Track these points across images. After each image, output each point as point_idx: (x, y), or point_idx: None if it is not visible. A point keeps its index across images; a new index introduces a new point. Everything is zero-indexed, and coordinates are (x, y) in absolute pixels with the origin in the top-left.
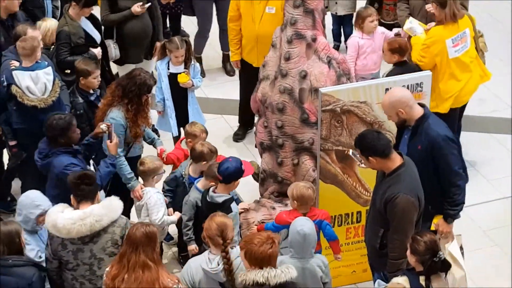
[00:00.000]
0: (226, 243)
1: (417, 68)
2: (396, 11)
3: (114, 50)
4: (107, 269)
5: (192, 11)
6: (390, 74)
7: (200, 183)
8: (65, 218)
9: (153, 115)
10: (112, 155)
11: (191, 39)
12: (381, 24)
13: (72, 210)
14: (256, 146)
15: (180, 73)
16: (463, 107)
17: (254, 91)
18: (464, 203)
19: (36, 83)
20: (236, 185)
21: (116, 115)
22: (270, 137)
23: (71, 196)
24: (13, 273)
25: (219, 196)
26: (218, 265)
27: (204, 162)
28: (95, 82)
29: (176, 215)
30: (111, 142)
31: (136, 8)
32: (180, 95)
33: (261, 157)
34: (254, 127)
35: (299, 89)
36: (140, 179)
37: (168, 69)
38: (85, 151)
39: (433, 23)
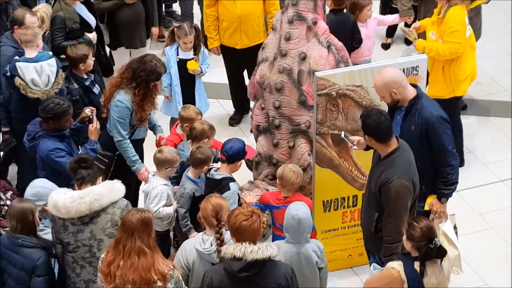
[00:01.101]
0: (221, 224)
1: (351, 17)
2: None
3: (104, 35)
4: (103, 255)
5: None
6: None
7: (191, 172)
8: (66, 197)
9: (159, 100)
10: (92, 140)
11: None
12: (391, 8)
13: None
14: (251, 131)
15: (189, 59)
16: None
17: (252, 75)
18: (457, 182)
19: (40, 75)
20: (239, 167)
21: (123, 98)
22: (267, 118)
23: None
24: (20, 252)
25: (219, 174)
26: (211, 245)
27: (206, 140)
28: (91, 62)
29: (172, 207)
30: (92, 126)
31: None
32: (188, 81)
33: (256, 140)
34: (251, 112)
35: (298, 71)
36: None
37: (177, 55)
38: (73, 136)
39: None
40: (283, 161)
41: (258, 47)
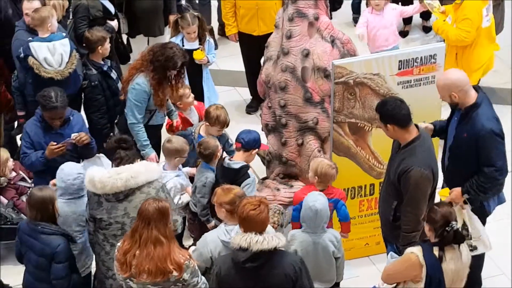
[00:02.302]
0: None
1: None
2: None
3: (122, 24)
4: (119, 244)
5: None
6: None
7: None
8: (103, 172)
9: None
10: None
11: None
12: None
13: None
14: (262, 129)
15: (195, 49)
16: None
17: (259, 74)
18: (488, 196)
19: (53, 54)
20: (253, 156)
21: (142, 81)
22: (274, 117)
23: None
24: (40, 239)
25: (236, 162)
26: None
27: (219, 128)
28: (108, 47)
29: (187, 195)
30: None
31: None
32: (195, 71)
33: (267, 139)
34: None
35: (301, 68)
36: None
37: (183, 45)
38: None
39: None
40: (292, 159)
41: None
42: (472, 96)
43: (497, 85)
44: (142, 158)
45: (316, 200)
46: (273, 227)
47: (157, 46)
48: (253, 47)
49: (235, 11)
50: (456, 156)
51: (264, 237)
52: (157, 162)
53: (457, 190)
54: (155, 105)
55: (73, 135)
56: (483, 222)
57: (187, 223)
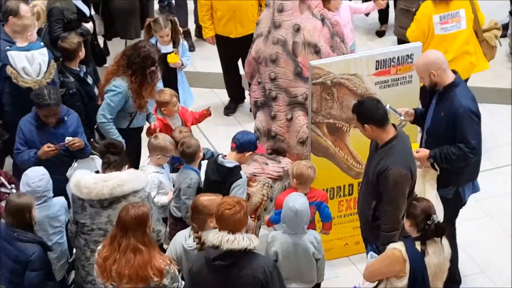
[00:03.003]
0: (193, 225)
1: None
2: None
3: (98, 25)
4: (99, 247)
5: None
6: None
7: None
8: (89, 177)
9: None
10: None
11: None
12: None
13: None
14: (251, 110)
15: (169, 53)
16: None
17: (248, 53)
18: (453, 171)
19: (31, 63)
20: (246, 159)
21: (119, 84)
22: (264, 92)
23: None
24: (15, 246)
25: (229, 162)
26: (194, 241)
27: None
28: (84, 50)
29: (168, 197)
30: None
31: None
32: (169, 75)
33: (255, 117)
34: (248, 92)
35: (292, 42)
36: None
37: None
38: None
39: None
40: (281, 134)
41: (252, 36)
42: (450, 76)
43: (476, 84)
44: (131, 164)
45: (296, 200)
46: (262, 200)
47: (128, 49)
48: (230, 49)
49: (211, 13)
50: (433, 137)
51: (236, 236)
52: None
53: (425, 151)
54: (137, 108)
55: (67, 139)
56: (456, 211)
57: (168, 228)
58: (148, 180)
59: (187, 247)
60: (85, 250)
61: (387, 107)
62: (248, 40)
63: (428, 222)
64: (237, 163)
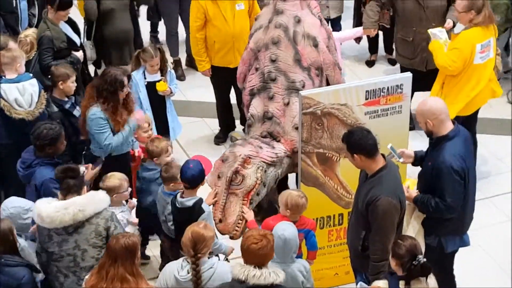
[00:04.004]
0: (197, 256)
1: None
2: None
3: (90, 50)
4: (87, 276)
5: (158, 16)
6: None
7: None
8: (50, 206)
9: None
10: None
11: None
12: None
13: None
14: (240, 106)
15: (157, 81)
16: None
17: (245, 50)
18: (435, 220)
19: (23, 94)
20: (203, 184)
21: (95, 111)
22: (262, 77)
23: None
24: (4, 272)
25: (188, 199)
26: (188, 273)
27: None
28: (72, 86)
29: (131, 227)
30: (92, 168)
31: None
32: (158, 103)
33: (248, 108)
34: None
35: (293, 31)
36: None
37: (145, 78)
38: None
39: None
40: (278, 117)
41: None
42: (447, 128)
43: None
44: (92, 185)
45: (285, 229)
46: (255, 183)
47: (95, 80)
48: (227, 79)
49: (206, 46)
50: (421, 182)
51: (262, 272)
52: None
53: (411, 193)
54: (117, 131)
55: (83, 167)
56: (445, 260)
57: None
58: (108, 200)
59: (181, 279)
60: (58, 276)
61: (388, 147)
62: None
63: (413, 262)
64: (197, 198)
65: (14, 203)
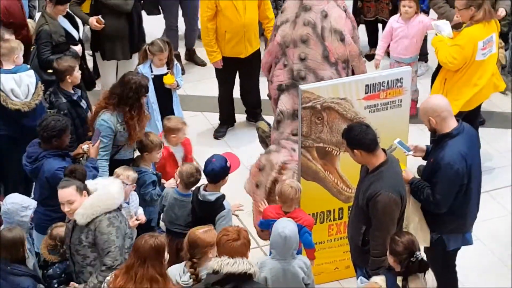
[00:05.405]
0: (192, 261)
1: None
2: (376, 7)
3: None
4: (109, 278)
5: (158, 10)
6: None
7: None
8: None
9: None
10: (93, 158)
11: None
12: (363, 21)
13: None
14: (269, 97)
15: (164, 74)
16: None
17: (270, 40)
18: (435, 216)
19: (19, 85)
20: (226, 181)
21: (108, 118)
22: (291, 74)
23: None
24: (8, 279)
25: (211, 194)
26: (190, 279)
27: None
28: (78, 75)
29: (132, 223)
30: (93, 145)
31: (93, 21)
32: (165, 96)
33: (277, 103)
34: (269, 77)
35: (321, 27)
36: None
37: (152, 71)
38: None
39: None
40: None
41: (257, 53)
42: (450, 125)
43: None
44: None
45: (286, 226)
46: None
47: (116, 87)
48: (234, 70)
49: (216, 37)
50: (422, 178)
51: (236, 260)
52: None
53: (408, 174)
54: (130, 140)
55: (86, 145)
56: (448, 256)
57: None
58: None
59: (183, 284)
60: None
61: (396, 142)
62: (254, 56)
63: (411, 259)
64: (218, 194)
65: (14, 199)
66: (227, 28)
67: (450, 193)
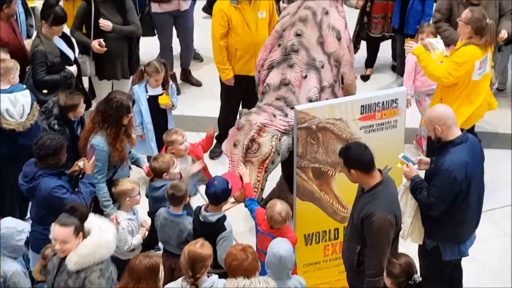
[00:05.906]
0: (195, 277)
1: None
2: (383, 24)
3: (89, 67)
4: None
5: (153, 31)
6: None
7: (173, 210)
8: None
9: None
10: (89, 174)
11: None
12: (368, 37)
13: None
14: (256, 90)
15: (160, 94)
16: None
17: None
18: (432, 220)
19: (14, 105)
20: (227, 202)
21: (99, 141)
22: (284, 51)
23: None
24: None
25: (212, 215)
26: None
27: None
28: (82, 110)
29: (139, 236)
30: (88, 161)
31: (95, 44)
32: (160, 117)
33: (262, 84)
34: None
35: (320, 18)
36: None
37: (147, 92)
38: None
39: (453, 46)
40: (294, 85)
41: None
42: (454, 133)
43: None
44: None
45: (280, 246)
46: (270, 151)
47: (100, 104)
48: (241, 88)
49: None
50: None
51: (252, 280)
52: (117, 222)
53: (412, 170)
54: (116, 161)
55: (81, 162)
56: (437, 267)
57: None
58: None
59: None
60: None
61: (400, 156)
62: None
63: (409, 282)
64: (221, 214)
65: (8, 223)
66: (238, 46)
67: (444, 198)
